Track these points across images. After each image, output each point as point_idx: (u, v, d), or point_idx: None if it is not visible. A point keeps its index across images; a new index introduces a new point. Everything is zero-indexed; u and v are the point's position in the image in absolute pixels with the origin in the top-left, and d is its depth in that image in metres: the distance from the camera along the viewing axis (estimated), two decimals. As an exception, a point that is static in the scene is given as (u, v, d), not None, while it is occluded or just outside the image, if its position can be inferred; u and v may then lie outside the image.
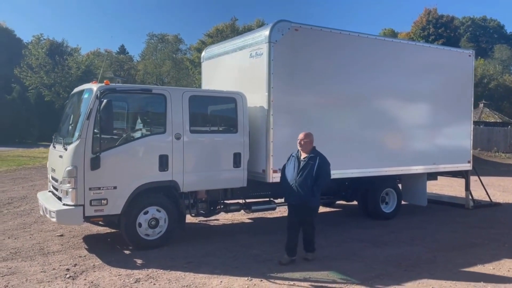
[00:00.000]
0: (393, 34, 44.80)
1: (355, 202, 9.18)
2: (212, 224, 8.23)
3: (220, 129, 7.14)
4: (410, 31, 38.63)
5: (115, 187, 6.01)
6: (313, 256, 6.04)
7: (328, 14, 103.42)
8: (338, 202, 9.85)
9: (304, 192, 5.68)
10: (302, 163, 5.77)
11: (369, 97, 8.28)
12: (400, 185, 9.50)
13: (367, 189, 8.67)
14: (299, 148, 5.89)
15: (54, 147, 6.69)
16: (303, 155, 5.84)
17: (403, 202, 9.28)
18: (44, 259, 5.83)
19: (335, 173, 7.69)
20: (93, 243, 6.68)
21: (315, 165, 5.70)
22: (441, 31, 35.35)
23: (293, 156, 5.94)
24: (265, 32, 7.12)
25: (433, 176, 9.90)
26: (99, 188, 5.92)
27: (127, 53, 69.24)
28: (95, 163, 5.85)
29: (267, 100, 7.06)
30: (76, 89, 6.98)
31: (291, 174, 5.81)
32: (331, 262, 5.95)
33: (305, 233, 6.03)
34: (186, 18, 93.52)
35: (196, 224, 8.07)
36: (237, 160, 6.94)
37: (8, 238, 6.87)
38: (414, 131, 8.93)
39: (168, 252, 6.20)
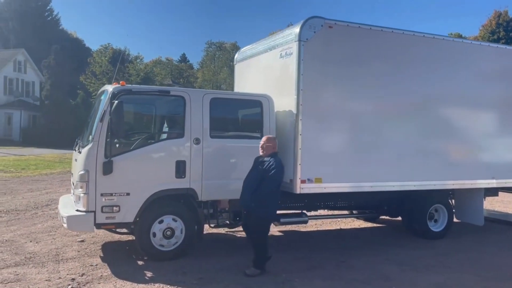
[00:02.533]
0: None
1: (400, 218, 8.30)
2: (238, 235, 7.73)
3: (244, 134, 6.63)
4: (478, 35, 36.18)
5: (128, 194, 5.71)
6: (252, 272, 5.41)
7: (394, 19, 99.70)
8: (382, 217, 9.02)
9: (247, 196, 5.39)
10: (255, 166, 5.52)
11: (418, 104, 7.40)
12: (452, 201, 8.48)
13: (413, 204, 7.77)
14: (261, 153, 5.60)
15: (75, 150, 6.55)
16: (260, 159, 5.57)
17: (455, 220, 8.24)
18: (54, 267, 5.64)
19: (373, 186, 7.06)
20: (110, 251, 6.44)
21: (262, 168, 5.32)
22: (512, 34, 32.70)
23: (256, 158, 5.71)
24: (295, 29, 6.56)
25: (493, 191, 8.74)
26: (111, 194, 5.64)
27: (188, 61, 71.22)
28: (107, 168, 5.58)
29: (296, 104, 6.47)
30: (99, 90, 6.84)
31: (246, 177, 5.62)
32: (359, 286, 5.23)
33: (252, 244, 5.58)
34: (244, 25, 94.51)
35: (221, 235, 7.62)
36: (261, 167, 6.40)
37: (30, 241, 6.81)
38: (471, 141, 7.88)
39: (182, 265, 5.79)
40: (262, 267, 5.50)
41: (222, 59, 57.21)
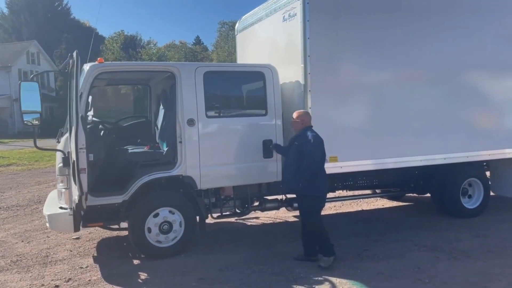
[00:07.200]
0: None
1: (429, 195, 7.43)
2: (249, 223, 7.05)
3: (246, 111, 5.83)
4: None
5: None
6: (326, 263, 4.83)
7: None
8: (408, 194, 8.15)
9: (289, 177, 4.96)
10: (291, 145, 5.05)
11: (448, 67, 6.43)
12: (488, 173, 7.55)
13: (443, 179, 6.87)
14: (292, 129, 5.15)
15: (56, 141, 5.90)
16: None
17: (491, 194, 7.32)
18: (40, 271, 5.05)
19: (397, 162, 6.24)
20: (105, 249, 5.83)
21: (299, 144, 4.85)
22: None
23: (291, 137, 5.17)
24: (298, -14, 5.66)
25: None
26: (94, 188, 4.98)
27: (202, 43, 70.10)
28: None
29: (303, 73, 5.62)
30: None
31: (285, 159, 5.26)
32: (386, 282, 4.46)
33: (309, 230, 4.98)
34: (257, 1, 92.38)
35: (229, 224, 6.92)
36: (267, 149, 5.63)
37: (22, 241, 6.27)
38: (506, 107, 6.90)
39: (183, 263, 5.12)
40: (332, 251, 4.91)
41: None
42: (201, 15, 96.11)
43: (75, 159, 4.45)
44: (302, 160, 4.77)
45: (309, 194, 4.83)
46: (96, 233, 6.51)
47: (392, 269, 4.79)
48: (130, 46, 42.87)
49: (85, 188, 4.54)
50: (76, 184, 4.48)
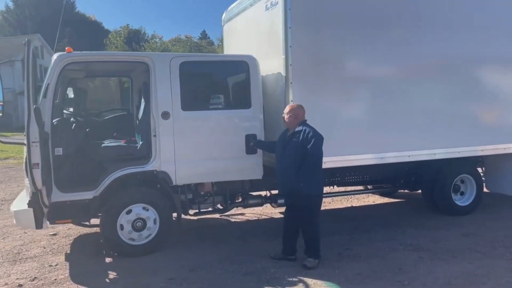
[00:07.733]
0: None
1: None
2: (233, 220, 6.84)
3: (226, 104, 5.55)
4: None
5: None
6: (312, 264, 4.61)
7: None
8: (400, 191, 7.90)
9: (290, 176, 4.57)
10: (286, 142, 4.67)
11: (442, 63, 6.18)
12: (483, 168, 7.27)
13: (434, 175, 6.61)
14: (286, 125, 4.80)
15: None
16: (289, 132, 4.72)
17: (485, 191, 7.04)
18: (8, 269, 4.88)
19: (384, 158, 6.00)
20: (80, 246, 5.65)
21: (298, 141, 4.50)
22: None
23: (283, 133, 4.80)
24: (279, -28, 5.40)
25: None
26: (63, 183, 4.80)
27: (208, 38, 69.64)
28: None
29: (285, 64, 5.38)
30: None
31: (277, 156, 4.82)
32: (363, 284, 4.23)
33: (302, 231, 4.78)
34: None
35: (215, 220, 6.74)
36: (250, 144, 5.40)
37: (-3, 237, 6.13)
38: (504, 102, 6.60)
39: (156, 261, 4.93)
40: (319, 255, 4.72)
41: (241, 32, 55.50)
42: (207, 9, 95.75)
43: (27, 153, 4.28)
44: (305, 158, 4.48)
45: (313, 193, 4.57)
46: (75, 229, 6.33)
47: (372, 270, 4.56)
48: (134, 40, 42.71)
49: (39, 185, 4.34)
50: (29, 180, 4.30)
